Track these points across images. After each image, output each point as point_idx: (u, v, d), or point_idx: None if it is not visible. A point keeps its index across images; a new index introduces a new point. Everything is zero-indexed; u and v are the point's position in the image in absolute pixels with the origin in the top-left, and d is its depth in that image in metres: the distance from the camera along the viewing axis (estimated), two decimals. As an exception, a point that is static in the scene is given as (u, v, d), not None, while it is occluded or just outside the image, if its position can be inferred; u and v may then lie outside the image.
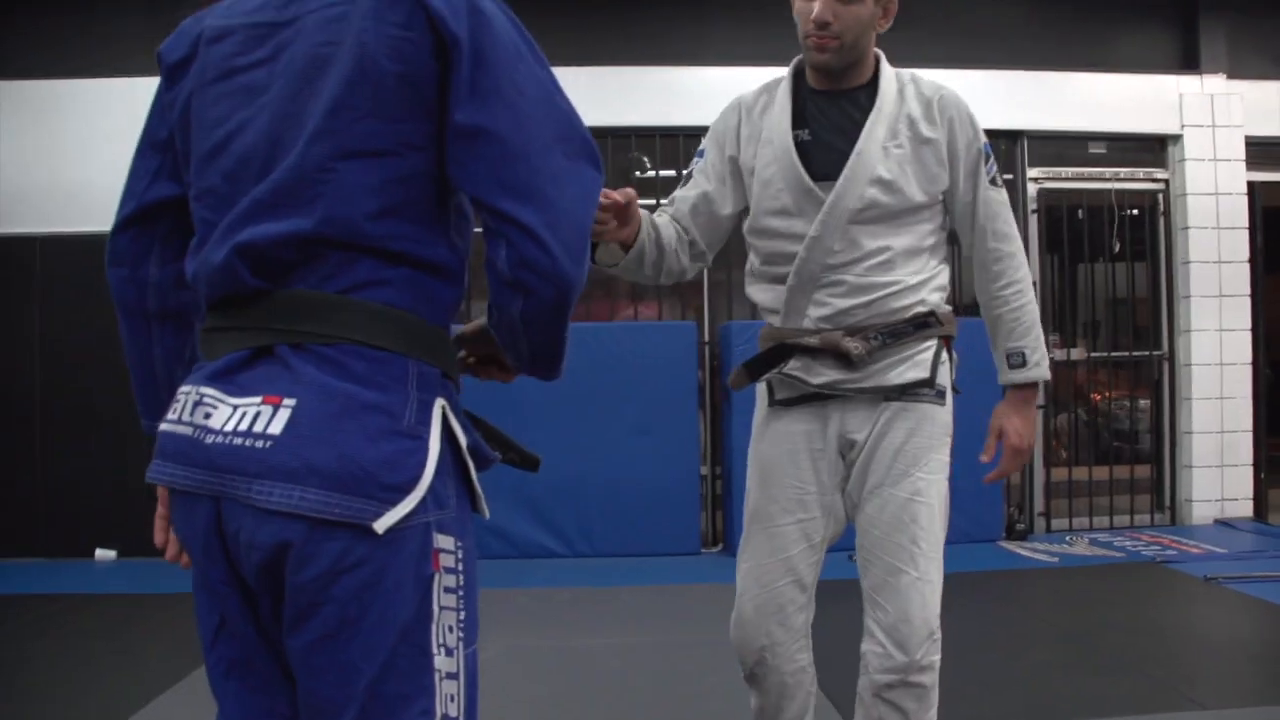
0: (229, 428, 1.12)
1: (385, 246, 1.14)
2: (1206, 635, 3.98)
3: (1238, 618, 4.17)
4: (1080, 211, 6.27)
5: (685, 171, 2.20)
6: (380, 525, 1.08)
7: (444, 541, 1.14)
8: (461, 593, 1.16)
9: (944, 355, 2.04)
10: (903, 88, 2.03)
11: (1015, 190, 6.13)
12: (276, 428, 1.10)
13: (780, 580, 2.04)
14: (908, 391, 1.98)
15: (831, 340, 1.96)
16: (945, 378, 2.03)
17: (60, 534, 5.53)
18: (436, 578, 1.13)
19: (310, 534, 1.09)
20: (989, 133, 6.72)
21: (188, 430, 1.16)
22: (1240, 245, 6.19)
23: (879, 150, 1.97)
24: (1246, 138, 6.21)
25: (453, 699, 1.15)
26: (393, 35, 1.12)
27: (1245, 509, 6.18)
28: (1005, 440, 2.06)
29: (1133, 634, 3.85)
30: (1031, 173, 6.22)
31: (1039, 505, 6.15)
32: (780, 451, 2.06)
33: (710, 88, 5.86)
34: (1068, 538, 5.84)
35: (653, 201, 6.05)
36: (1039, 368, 2.04)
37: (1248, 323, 6.21)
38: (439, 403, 1.16)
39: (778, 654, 2.06)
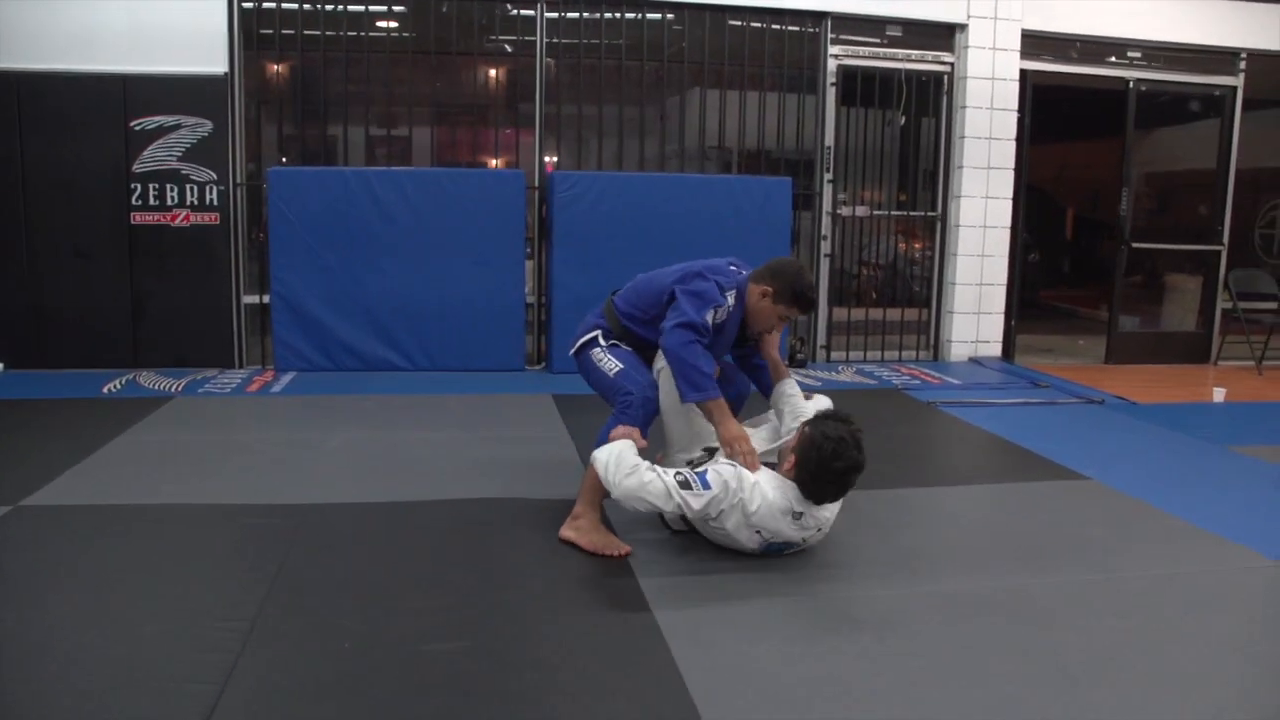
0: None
1: (636, 315, 3.55)
2: (902, 441, 4.88)
3: (934, 429, 5.17)
4: (874, 86, 6.98)
5: None
6: (572, 349, 3.65)
7: (604, 344, 3.54)
8: (621, 356, 3.47)
9: None
10: None
11: (818, 65, 6.89)
12: (584, 328, 3.65)
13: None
14: None
15: None
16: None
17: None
18: (612, 356, 3.48)
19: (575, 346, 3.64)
20: (797, 13, 7.38)
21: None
22: (1010, 125, 7.08)
23: None
24: (1023, 30, 7.00)
25: (629, 383, 3.38)
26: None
27: (996, 350, 7.34)
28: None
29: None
30: (833, 50, 6.86)
31: (821, 339, 7.16)
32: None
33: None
34: (839, 367, 6.87)
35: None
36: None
37: (1010, 192, 7.17)
38: (599, 330, 3.57)
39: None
